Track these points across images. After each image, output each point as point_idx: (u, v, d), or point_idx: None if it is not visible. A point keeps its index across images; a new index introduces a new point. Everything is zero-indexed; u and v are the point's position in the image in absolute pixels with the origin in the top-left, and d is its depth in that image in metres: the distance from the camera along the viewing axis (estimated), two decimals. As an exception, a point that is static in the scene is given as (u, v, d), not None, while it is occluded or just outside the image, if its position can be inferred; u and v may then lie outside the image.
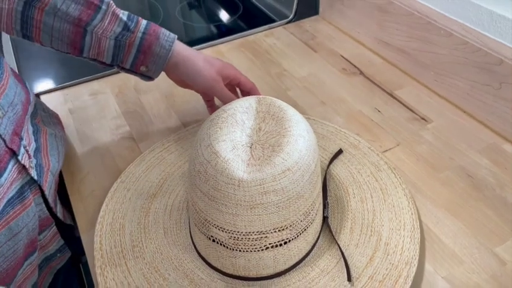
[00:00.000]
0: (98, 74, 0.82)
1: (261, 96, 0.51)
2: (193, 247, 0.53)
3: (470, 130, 0.68)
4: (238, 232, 0.45)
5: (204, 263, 0.51)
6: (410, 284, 0.47)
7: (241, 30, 0.97)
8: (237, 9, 1.09)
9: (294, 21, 0.98)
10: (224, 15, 1.09)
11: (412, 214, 0.54)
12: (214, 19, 1.08)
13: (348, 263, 0.49)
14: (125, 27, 0.57)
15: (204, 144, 0.45)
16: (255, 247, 0.46)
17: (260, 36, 0.94)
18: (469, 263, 0.50)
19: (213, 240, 0.47)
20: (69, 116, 0.75)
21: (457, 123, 0.69)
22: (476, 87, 0.67)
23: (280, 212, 0.44)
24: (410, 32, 0.76)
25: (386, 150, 0.65)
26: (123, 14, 0.58)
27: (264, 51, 0.90)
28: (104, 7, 0.56)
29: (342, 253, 0.50)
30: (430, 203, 0.57)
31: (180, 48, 0.60)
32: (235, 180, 0.42)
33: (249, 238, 0.45)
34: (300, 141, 0.45)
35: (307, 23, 0.98)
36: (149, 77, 0.62)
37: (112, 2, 0.58)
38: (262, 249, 0.46)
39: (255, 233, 0.44)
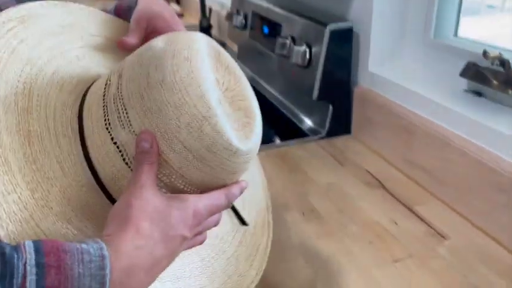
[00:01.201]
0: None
1: (203, 35, 0.46)
2: (98, 188, 0.44)
3: (488, 250, 0.66)
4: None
5: None
6: None
7: (276, 141, 1.04)
8: (275, 123, 1.18)
9: (326, 138, 1.05)
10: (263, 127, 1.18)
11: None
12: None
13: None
14: None
15: (194, 93, 0.40)
16: None
17: (292, 149, 1.01)
18: None
19: None
20: None
21: (475, 242, 0.67)
22: (494, 207, 0.67)
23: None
24: (430, 151, 0.79)
25: (397, 261, 0.64)
26: None
27: (293, 161, 0.95)
28: None
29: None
30: (436, 317, 0.54)
31: None
32: (233, 147, 0.41)
33: None
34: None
35: (339, 140, 1.04)
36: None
37: None
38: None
39: None
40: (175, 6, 2.78)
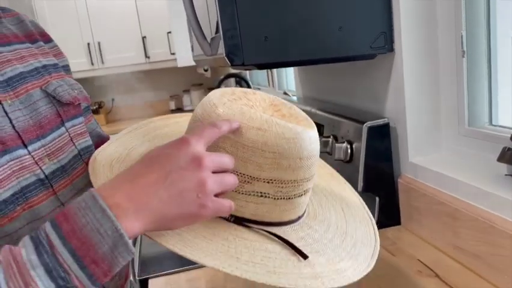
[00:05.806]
0: (196, 265, 0.97)
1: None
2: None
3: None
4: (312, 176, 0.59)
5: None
6: None
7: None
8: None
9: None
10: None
11: None
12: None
13: None
14: None
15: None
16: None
17: (344, 242, 1.03)
18: None
19: (300, 196, 0.58)
20: (165, 296, 0.87)
21: (537, 329, 0.65)
22: (551, 290, 0.65)
23: None
24: (477, 235, 0.79)
25: None
26: None
27: (345, 253, 0.97)
28: None
29: None
30: None
31: None
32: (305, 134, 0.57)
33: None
34: None
35: (390, 231, 1.05)
36: None
37: None
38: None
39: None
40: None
